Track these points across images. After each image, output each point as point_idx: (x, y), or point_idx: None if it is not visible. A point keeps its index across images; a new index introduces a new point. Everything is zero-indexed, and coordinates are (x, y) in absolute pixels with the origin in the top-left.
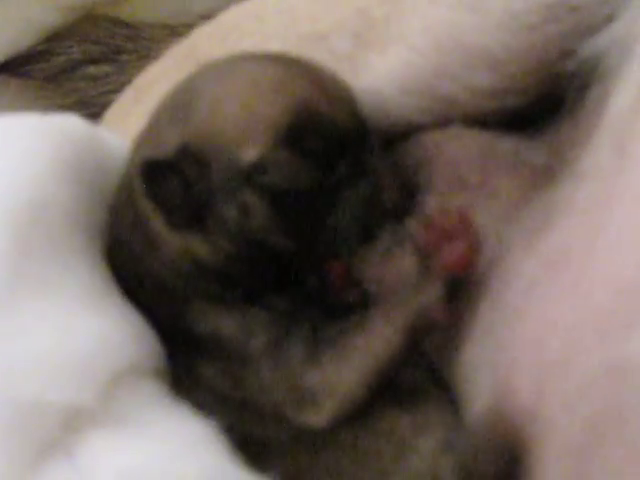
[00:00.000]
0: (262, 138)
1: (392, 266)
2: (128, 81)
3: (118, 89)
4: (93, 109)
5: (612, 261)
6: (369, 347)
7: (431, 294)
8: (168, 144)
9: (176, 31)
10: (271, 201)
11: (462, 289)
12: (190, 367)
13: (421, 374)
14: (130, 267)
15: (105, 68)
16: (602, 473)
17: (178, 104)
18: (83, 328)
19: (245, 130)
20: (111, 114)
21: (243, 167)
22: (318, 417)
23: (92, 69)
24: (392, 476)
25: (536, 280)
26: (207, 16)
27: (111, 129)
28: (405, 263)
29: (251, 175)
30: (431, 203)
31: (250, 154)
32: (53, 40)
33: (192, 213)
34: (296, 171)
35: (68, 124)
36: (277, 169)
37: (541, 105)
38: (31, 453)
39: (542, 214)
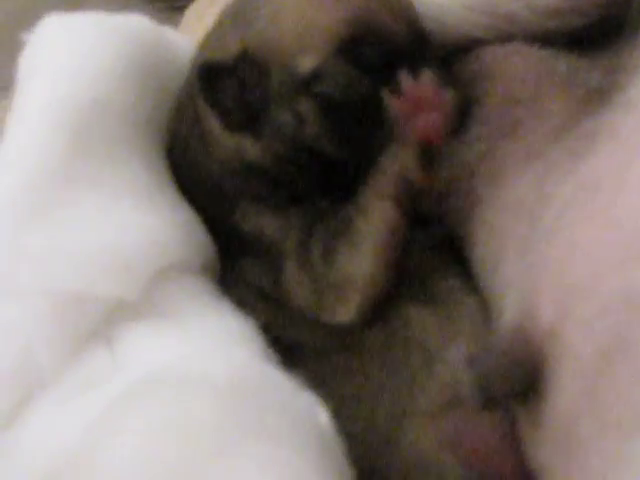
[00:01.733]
0: (319, 48)
1: None
2: None
3: None
4: (184, 1)
5: None
6: (370, 227)
7: (406, 160)
8: (229, 48)
9: None
10: (325, 109)
11: (437, 156)
12: (236, 264)
13: (456, 284)
14: (187, 164)
15: None
16: (611, 394)
17: (241, 9)
18: (134, 224)
19: (303, 40)
20: (188, 15)
21: (300, 75)
22: (347, 311)
23: None
24: (418, 382)
25: (570, 202)
26: None
27: (188, 30)
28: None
29: (307, 83)
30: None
31: (307, 63)
32: None
33: (246, 116)
34: (351, 82)
35: (134, 23)
36: (333, 79)
37: (605, 26)
38: (74, 341)
39: (587, 138)
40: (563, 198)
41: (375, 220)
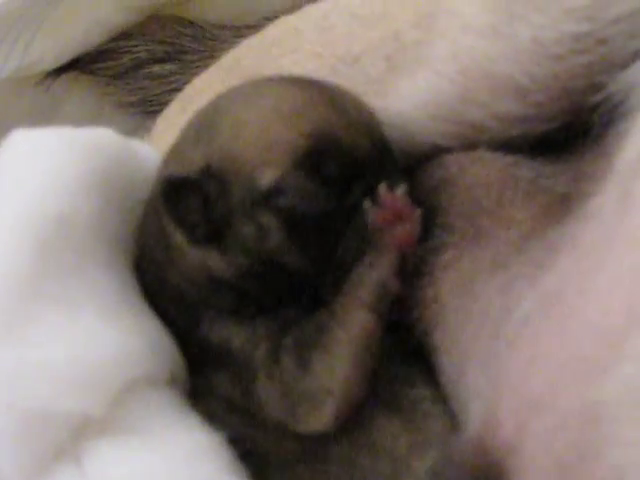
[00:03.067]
0: (280, 162)
1: None
2: (191, 80)
3: (181, 88)
4: (157, 107)
5: (601, 306)
6: (349, 335)
7: (385, 269)
8: (192, 163)
9: (240, 32)
10: (287, 223)
11: (409, 264)
12: (204, 375)
13: (425, 393)
14: (154, 276)
15: (169, 67)
16: None
17: (203, 124)
18: (99, 339)
19: (264, 154)
20: (160, 122)
21: (261, 189)
22: (321, 419)
23: (157, 68)
24: None
25: (531, 315)
26: (271, 17)
27: (159, 136)
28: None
29: (269, 197)
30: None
31: (268, 177)
32: (120, 39)
33: (211, 230)
34: (312, 195)
35: (101, 138)
36: (294, 192)
37: (569, 131)
38: (40, 461)
39: (549, 249)
40: (525, 310)
41: (354, 329)
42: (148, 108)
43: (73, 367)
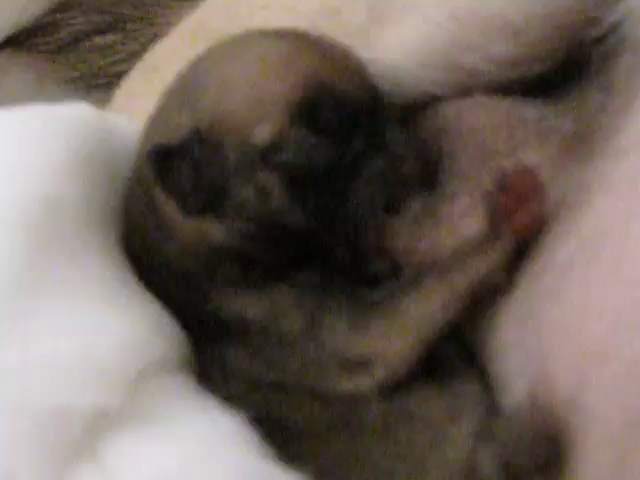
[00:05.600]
0: (274, 117)
1: (423, 236)
2: (136, 50)
3: (126, 59)
4: (102, 80)
5: None
6: (425, 312)
7: (497, 258)
8: (178, 129)
9: None
10: (288, 180)
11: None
12: (217, 355)
13: (457, 355)
14: (146, 255)
15: (111, 37)
16: None
17: (187, 87)
18: (104, 328)
19: (256, 110)
20: (120, 94)
21: (257, 148)
22: (368, 382)
23: (98, 40)
24: (427, 467)
25: (574, 262)
26: None
27: (121, 109)
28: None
29: (266, 155)
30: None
31: (263, 134)
32: (57, 12)
33: (206, 198)
34: (311, 147)
35: (78, 113)
36: (292, 147)
37: (562, 70)
38: (57, 461)
39: (578, 190)
40: (565, 257)
41: (434, 310)
42: (92, 82)
43: (82, 360)
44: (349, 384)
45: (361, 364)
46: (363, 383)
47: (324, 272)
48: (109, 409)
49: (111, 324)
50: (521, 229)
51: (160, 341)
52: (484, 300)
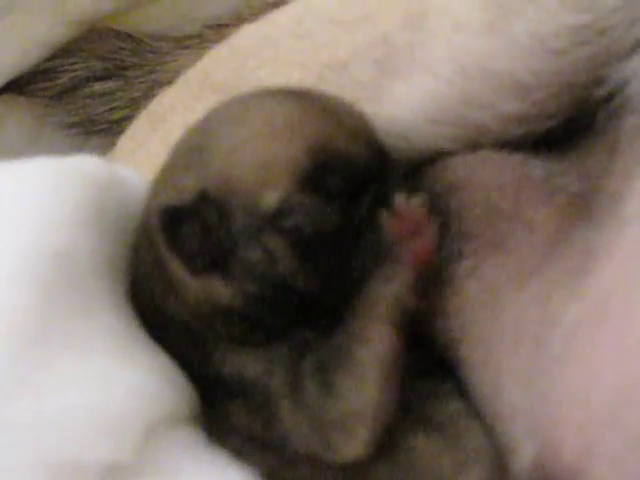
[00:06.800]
0: (282, 182)
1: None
2: (135, 97)
3: (126, 105)
4: (101, 126)
5: None
6: (370, 353)
7: (402, 282)
8: (186, 190)
9: (182, 43)
10: (295, 244)
11: (427, 278)
12: (223, 410)
13: (457, 407)
14: (153, 309)
15: (111, 84)
16: None
17: (193, 147)
18: (116, 381)
19: (264, 174)
20: (125, 142)
21: (265, 212)
22: (353, 447)
23: (97, 86)
24: None
25: (579, 326)
26: (213, 26)
27: (125, 157)
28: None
29: (273, 220)
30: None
31: (271, 199)
32: (57, 57)
33: (212, 258)
34: (319, 212)
35: (87, 166)
36: (299, 212)
37: (567, 126)
38: None
39: (583, 254)
40: (571, 321)
41: (376, 346)
42: (91, 128)
43: (94, 414)
44: (335, 453)
45: (339, 428)
46: (348, 449)
47: (322, 330)
48: (121, 463)
49: (123, 377)
50: (418, 254)
51: (170, 394)
52: None
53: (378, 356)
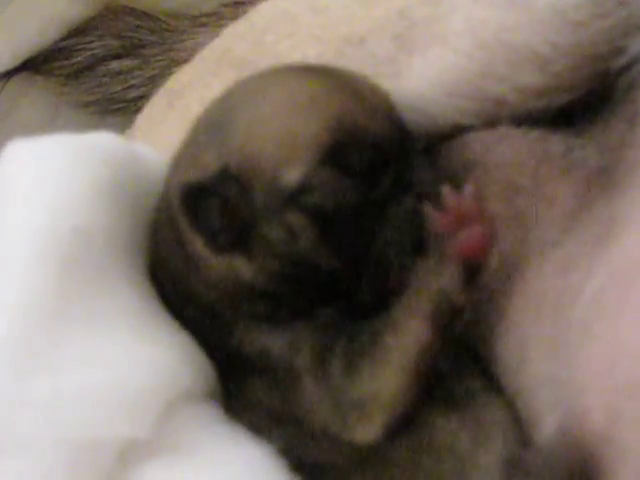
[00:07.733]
0: (304, 158)
1: None
2: (152, 75)
3: (143, 84)
4: (117, 105)
5: None
6: (401, 345)
7: (447, 278)
8: (207, 166)
9: (199, 21)
10: (317, 221)
11: (480, 273)
12: (241, 387)
13: (477, 385)
14: (174, 286)
15: (128, 63)
16: None
17: (215, 124)
18: (135, 358)
19: (286, 151)
20: (143, 119)
21: (287, 188)
22: (369, 430)
23: (114, 64)
24: None
25: (604, 296)
26: (229, 3)
27: (143, 134)
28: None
29: (295, 196)
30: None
31: (293, 175)
32: (74, 36)
33: (234, 235)
34: (341, 189)
35: (105, 143)
36: (321, 189)
37: (586, 99)
38: None
39: (606, 223)
40: (596, 289)
41: (407, 339)
42: (108, 107)
43: (113, 391)
44: (350, 433)
45: (357, 410)
46: (363, 432)
47: (346, 310)
48: (140, 439)
49: (141, 354)
50: (465, 249)
51: (189, 371)
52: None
53: (406, 347)
